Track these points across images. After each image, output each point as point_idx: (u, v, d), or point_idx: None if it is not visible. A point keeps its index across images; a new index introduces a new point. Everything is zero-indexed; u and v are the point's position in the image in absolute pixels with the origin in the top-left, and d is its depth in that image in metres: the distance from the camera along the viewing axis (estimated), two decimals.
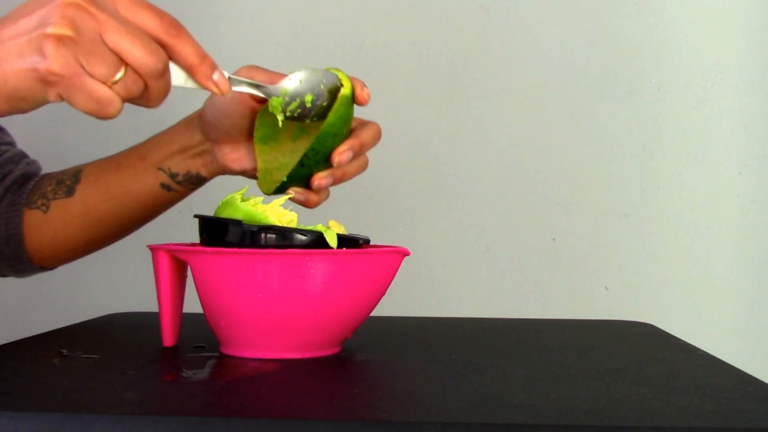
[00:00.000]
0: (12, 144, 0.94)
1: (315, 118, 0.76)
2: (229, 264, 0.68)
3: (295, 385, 0.62)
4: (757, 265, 1.42)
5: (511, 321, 0.94)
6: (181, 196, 0.88)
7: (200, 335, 0.79)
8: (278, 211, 0.72)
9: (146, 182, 0.86)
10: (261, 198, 0.74)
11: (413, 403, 0.58)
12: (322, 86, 0.76)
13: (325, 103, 0.76)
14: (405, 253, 0.72)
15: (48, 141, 1.42)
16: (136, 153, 0.87)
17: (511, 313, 0.94)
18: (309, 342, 0.72)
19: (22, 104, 0.63)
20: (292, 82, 0.75)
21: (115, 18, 0.60)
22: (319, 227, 0.71)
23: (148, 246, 0.75)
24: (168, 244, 0.75)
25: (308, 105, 0.75)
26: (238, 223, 0.70)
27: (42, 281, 1.44)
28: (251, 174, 0.84)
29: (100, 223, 0.88)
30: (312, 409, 0.56)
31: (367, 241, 0.74)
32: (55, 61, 0.59)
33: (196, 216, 0.74)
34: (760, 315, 1.42)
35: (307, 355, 0.72)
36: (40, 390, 0.60)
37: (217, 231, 0.71)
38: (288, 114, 0.75)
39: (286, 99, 0.75)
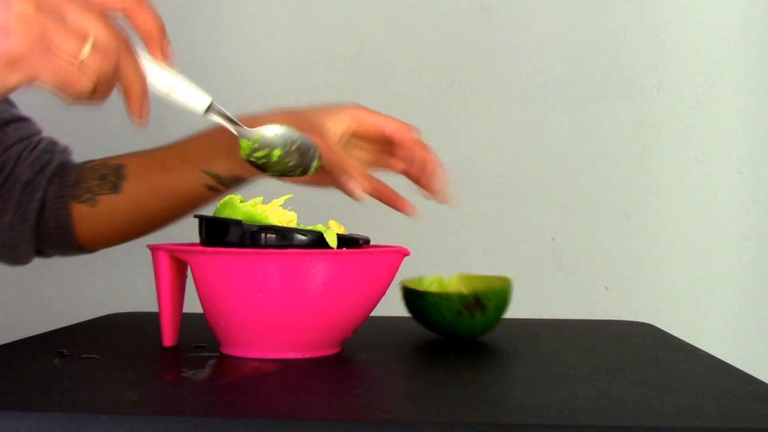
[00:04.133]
0: (40, 132, 0.96)
1: (277, 174, 0.76)
2: (229, 264, 0.68)
3: (295, 385, 0.62)
4: (757, 265, 1.42)
5: (511, 321, 0.94)
6: (219, 194, 0.89)
7: (200, 335, 0.79)
8: (278, 211, 0.72)
9: (192, 184, 0.87)
10: (260, 198, 0.74)
11: (413, 403, 0.58)
12: (294, 147, 0.75)
13: (291, 163, 0.76)
14: (405, 253, 0.72)
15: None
16: (180, 154, 0.88)
17: (511, 313, 0.94)
18: (309, 342, 0.71)
19: None
20: (268, 132, 0.74)
21: (75, 2, 0.60)
22: (319, 227, 0.71)
23: (148, 246, 0.75)
24: (168, 244, 0.75)
25: (274, 159, 0.75)
26: (238, 223, 0.70)
27: (42, 281, 1.45)
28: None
29: (148, 219, 0.90)
30: (312, 409, 0.56)
31: (367, 241, 0.74)
32: (20, 39, 0.59)
33: (196, 216, 0.74)
34: (760, 315, 1.42)
35: (307, 355, 0.72)
36: (40, 390, 0.60)
37: (218, 231, 0.71)
38: (252, 159, 0.75)
39: (255, 146, 0.74)
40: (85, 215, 0.90)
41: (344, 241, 0.71)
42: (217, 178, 0.86)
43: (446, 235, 1.43)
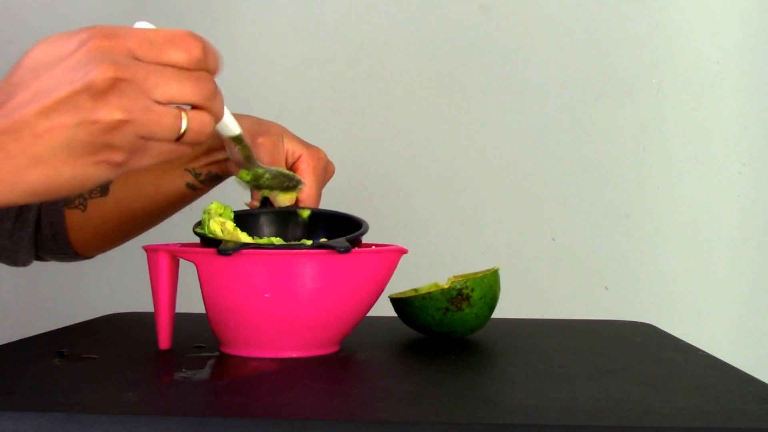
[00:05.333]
0: None
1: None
2: (239, 264, 0.68)
3: (295, 385, 0.62)
4: (757, 265, 1.42)
5: (511, 321, 0.94)
6: (202, 193, 0.91)
7: (200, 335, 0.79)
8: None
9: (174, 182, 0.88)
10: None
11: (413, 403, 0.58)
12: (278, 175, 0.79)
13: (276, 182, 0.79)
14: (403, 252, 0.73)
15: None
16: None
17: (511, 313, 0.94)
18: (310, 341, 0.72)
19: (75, 190, 0.56)
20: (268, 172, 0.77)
21: (150, 70, 0.54)
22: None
23: (143, 247, 0.74)
24: (170, 245, 0.74)
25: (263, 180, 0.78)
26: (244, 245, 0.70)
27: (42, 282, 1.45)
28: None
29: (134, 219, 0.91)
30: (312, 409, 0.56)
31: (358, 224, 0.76)
32: (121, 149, 0.54)
33: (197, 233, 0.74)
34: (760, 315, 1.42)
35: (308, 354, 0.72)
36: (40, 390, 0.60)
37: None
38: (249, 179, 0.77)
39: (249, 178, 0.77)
40: (77, 221, 0.91)
41: (343, 221, 0.75)
42: (197, 175, 0.88)
43: (446, 235, 1.43)
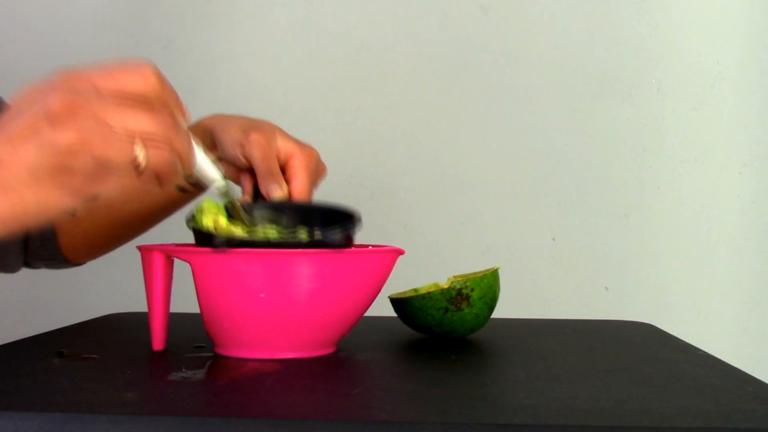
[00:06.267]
0: None
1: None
2: (233, 264, 0.68)
3: (295, 385, 0.62)
4: (757, 265, 1.42)
5: (511, 321, 0.94)
6: (193, 197, 0.89)
7: (200, 335, 0.79)
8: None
9: None
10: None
11: (413, 403, 0.58)
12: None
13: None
14: (400, 252, 0.73)
15: None
16: None
17: (511, 313, 0.94)
18: (307, 341, 0.72)
19: (41, 218, 0.57)
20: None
21: (107, 99, 0.56)
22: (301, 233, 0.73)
23: (137, 247, 0.74)
24: (164, 245, 0.74)
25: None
26: (240, 242, 0.70)
27: (41, 282, 1.45)
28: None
29: (124, 223, 0.91)
30: (312, 409, 0.56)
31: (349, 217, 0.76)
32: (80, 173, 0.55)
33: (192, 228, 0.73)
34: (760, 315, 1.42)
35: (305, 354, 0.72)
36: (40, 390, 0.60)
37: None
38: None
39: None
40: (67, 225, 0.91)
41: (338, 215, 0.74)
42: (188, 177, 0.87)
43: (446, 235, 1.43)
